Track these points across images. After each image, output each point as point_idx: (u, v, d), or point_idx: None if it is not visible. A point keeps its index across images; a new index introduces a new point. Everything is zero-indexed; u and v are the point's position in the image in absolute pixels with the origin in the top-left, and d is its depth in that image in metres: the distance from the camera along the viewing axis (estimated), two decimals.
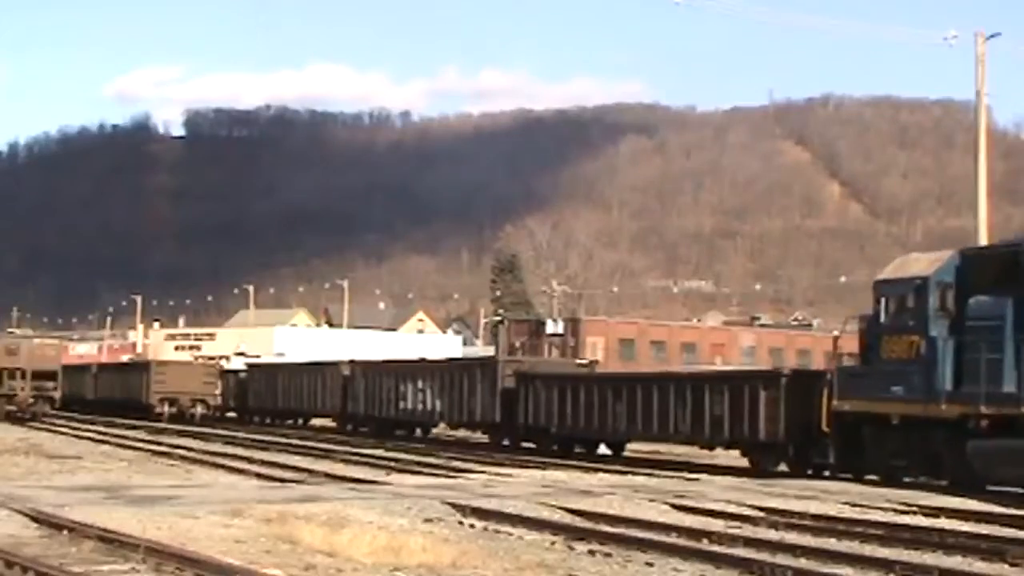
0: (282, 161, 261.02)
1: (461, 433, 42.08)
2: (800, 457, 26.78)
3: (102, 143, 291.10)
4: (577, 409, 33.06)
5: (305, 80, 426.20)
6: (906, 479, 23.56)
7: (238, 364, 65.80)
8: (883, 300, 24.13)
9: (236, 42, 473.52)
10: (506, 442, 36.71)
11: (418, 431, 43.29)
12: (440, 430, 43.81)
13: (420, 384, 40.27)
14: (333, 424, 47.84)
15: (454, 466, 28.32)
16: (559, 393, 33.75)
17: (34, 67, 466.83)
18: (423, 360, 45.36)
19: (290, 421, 51.82)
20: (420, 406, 40.45)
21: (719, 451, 30.71)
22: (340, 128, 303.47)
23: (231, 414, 56.71)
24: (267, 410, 53.19)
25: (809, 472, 26.18)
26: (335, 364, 47.19)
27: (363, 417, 44.07)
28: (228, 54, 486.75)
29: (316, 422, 50.40)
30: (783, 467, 27.19)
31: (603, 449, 34.22)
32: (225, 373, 57.95)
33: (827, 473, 25.85)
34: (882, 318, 24.12)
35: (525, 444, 35.86)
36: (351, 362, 46.25)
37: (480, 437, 40.14)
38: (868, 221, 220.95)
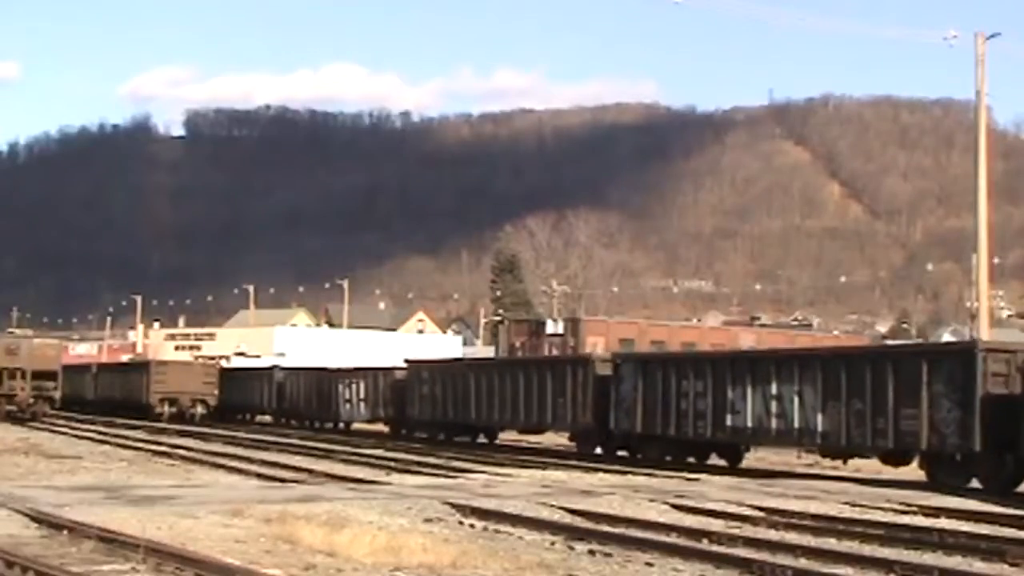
0: (282, 161, 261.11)
1: (845, 469, 27.47)
2: None
3: (102, 143, 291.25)
4: None
5: (319, 81, 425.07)
6: None
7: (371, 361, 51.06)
8: None
9: (250, 43, 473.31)
10: (975, 483, 22.94)
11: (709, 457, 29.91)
12: (773, 456, 32.01)
13: (776, 388, 26.47)
14: (569, 442, 36.58)
15: (454, 466, 28.24)
16: None
17: (36, 67, 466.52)
18: (784, 349, 31.25)
19: (460, 437, 38.94)
20: (776, 422, 26.53)
21: None
22: (340, 128, 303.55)
23: (379, 427, 44.83)
24: (446, 423, 39.35)
25: None
26: (584, 359, 35.47)
27: (638, 436, 30.77)
28: (241, 55, 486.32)
29: (505, 436, 39.66)
30: None
31: None
32: (370, 372, 45.51)
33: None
34: None
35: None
36: (616, 357, 33.57)
37: (873, 471, 26.78)
38: (868, 221, 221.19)
